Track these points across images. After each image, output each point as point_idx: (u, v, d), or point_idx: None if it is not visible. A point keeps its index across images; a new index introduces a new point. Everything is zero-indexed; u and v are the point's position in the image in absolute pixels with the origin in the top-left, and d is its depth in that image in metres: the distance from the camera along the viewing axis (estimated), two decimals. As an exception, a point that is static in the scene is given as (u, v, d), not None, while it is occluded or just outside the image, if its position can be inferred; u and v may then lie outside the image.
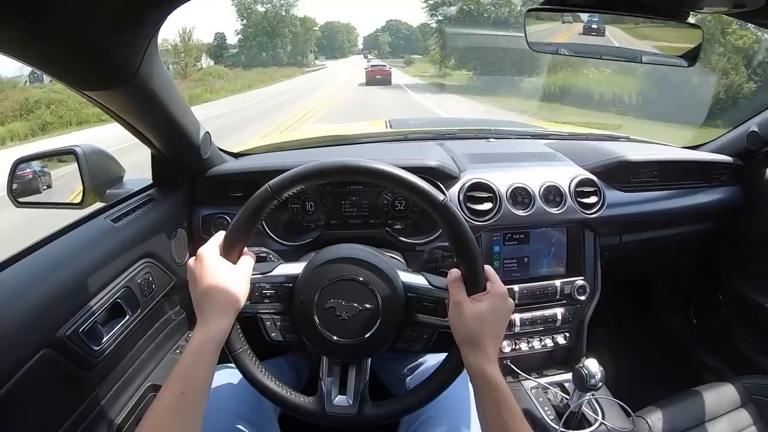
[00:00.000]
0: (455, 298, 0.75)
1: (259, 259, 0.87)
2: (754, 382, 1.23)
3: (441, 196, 0.75)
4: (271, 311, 0.84)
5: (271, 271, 0.83)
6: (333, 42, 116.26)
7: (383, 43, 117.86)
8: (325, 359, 0.84)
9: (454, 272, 0.78)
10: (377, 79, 27.43)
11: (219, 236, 0.80)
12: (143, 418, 0.65)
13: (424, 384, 0.81)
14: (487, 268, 0.78)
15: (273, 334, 0.87)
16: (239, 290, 0.76)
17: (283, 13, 61.14)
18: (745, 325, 1.63)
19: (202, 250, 0.77)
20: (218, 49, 55.59)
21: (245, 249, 0.81)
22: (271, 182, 0.77)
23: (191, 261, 0.77)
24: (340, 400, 0.82)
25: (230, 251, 0.78)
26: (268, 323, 0.87)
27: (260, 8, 59.44)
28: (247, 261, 0.80)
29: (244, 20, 59.79)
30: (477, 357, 0.72)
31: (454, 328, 0.75)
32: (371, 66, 32.81)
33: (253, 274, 0.80)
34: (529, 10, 0.97)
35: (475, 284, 0.76)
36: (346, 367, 0.84)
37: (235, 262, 0.78)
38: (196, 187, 1.27)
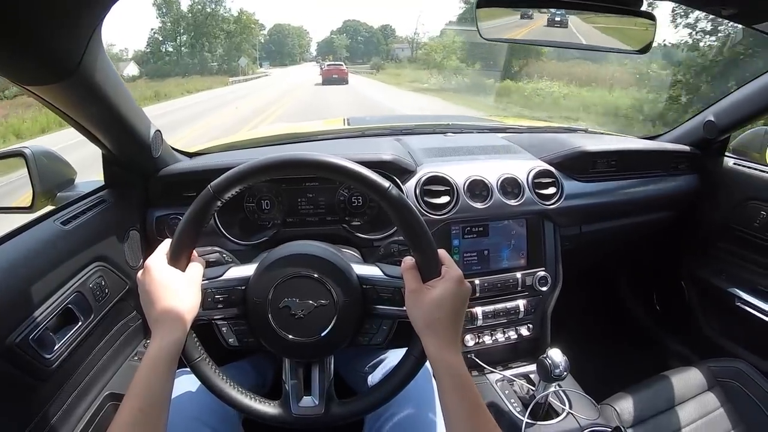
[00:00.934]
0: (410, 286, 0.74)
1: (211, 263, 0.86)
2: (719, 365, 1.25)
3: (386, 183, 0.73)
4: (226, 316, 0.81)
5: (221, 275, 0.81)
6: (282, 47, 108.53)
7: (340, 46, 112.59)
8: (286, 360, 0.82)
9: (408, 260, 0.77)
10: (334, 78, 28.91)
11: (166, 244, 0.78)
12: None
13: (389, 378, 0.80)
14: (442, 252, 0.76)
15: (230, 340, 0.84)
16: (190, 299, 0.75)
17: (212, 6, 52.09)
18: (708, 309, 1.66)
19: (150, 260, 0.75)
20: (151, 56, 50.19)
21: (194, 254, 0.79)
22: (212, 183, 0.75)
23: (139, 274, 0.75)
24: (305, 401, 0.80)
25: (177, 259, 0.76)
26: (224, 329, 0.84)
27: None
28: (196, 267, 0.78)
29: (164, 16, 51.22)
30: (436, 344, 0.71)
31: (412, 317, 0.74)
32: (327, 65, 34.09)
33: (203, 280, 0.78)
34: (478, 4, 0.97)
35: (429, 271, 0.74)
36: (308, 366, 0.82)
37: (184, 270, 0.76)
38: (148, 187, 1.24)
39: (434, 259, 0.75)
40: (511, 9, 1.01)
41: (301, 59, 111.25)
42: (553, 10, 1.00)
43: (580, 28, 1.07)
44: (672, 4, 1.04)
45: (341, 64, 34.83)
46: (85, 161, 1.23)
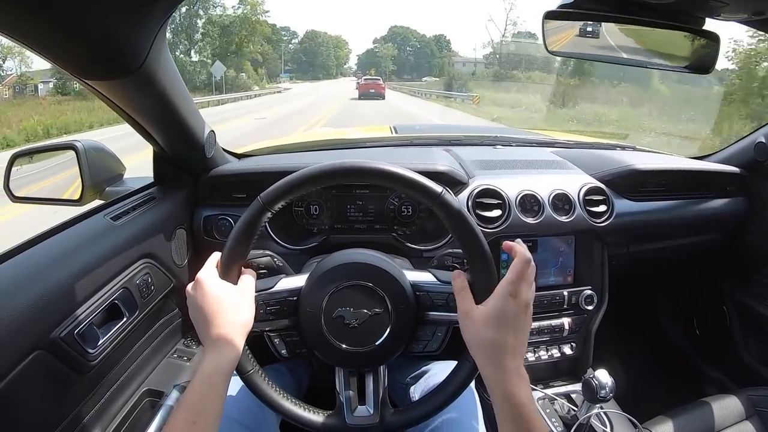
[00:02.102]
0: (462, 309, 0.70)
1: (262, 268, 0.85)
2: (758, 394, 1.22)
3: (439, 188, 0.72)
4: (278, 328, 0.81)
5: (273, 287, 0.80)
6: (315, 57, 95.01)
7: (385, 56, 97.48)
8: (340, 370, 0.81)
9: (458, 281, 0.74)
10: (370, 92, 29.16)
11: (215, 257, 0.78)
12: None
13: (444, 386, 0.79)
14: (516, 249, 0.72)
15: (282, 351, 0.85)
16: (245, 313, 0.74)
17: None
18: (749, 336, 1.61)
19: (201, 274, 0.74)
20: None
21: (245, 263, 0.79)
22: (262, 194, 0.74)
23: (190, 287, 0.75)
24: (360, 411, 0.80)
25: (229, 272, 0.75)
26: (276, 341, 0.84)
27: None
28: (249, 280, 0.77)
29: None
30: (495, 371, 0.65)
31: (466, 340, 0.70)
32: (365, 80, 34.14)
33: (255, 293, 0.78)
34: (546, 14, 0.96)
35: (481, 287, 0.71)
36: (362, 376, 0.82)
37: (235, 282, 0.76)
38: (198, 186, 1.24)
39: (492, 275, 0.72)
40: (575, 24, 1.00)
41: (338, 73, 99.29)
42: (587, 22, 1.00)
43: (632, 43, 1.06)
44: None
45: (378, 79, 34.82)
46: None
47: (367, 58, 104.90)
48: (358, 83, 34.23)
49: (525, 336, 0.69)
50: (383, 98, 28.22)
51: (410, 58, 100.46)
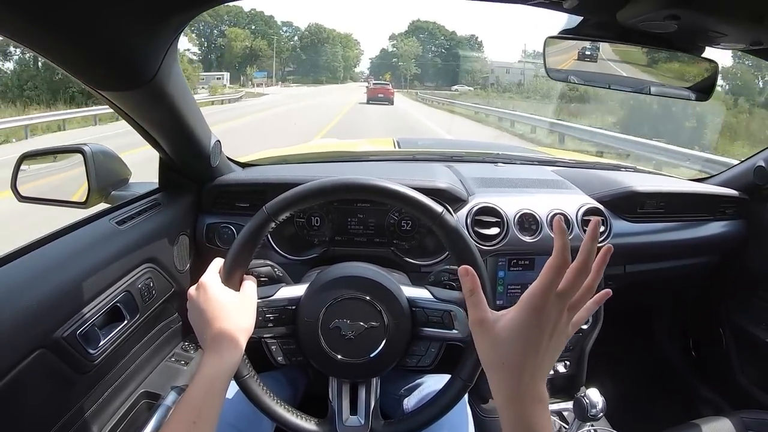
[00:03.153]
0: (474, 316, 0.58)
1: (262, 277, 0.87)
2: (752, 417, 1.21)
3: (439, 208, 0.75)
4: (275, 335, 0.83)
5: (273, 295, 0.82)
6: (318, 55, 77.24)
7: (405, 54, 77.01)
8: (333, 380, 0.83)
9: (465, 274, 0.61)
10: (379, 97, 28.39)
11: (218, 263, 0.79)
12: None
13: (435, 401, 0.80)
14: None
15: (279, 358, 0.86)
16: (247, 319, 0.76)
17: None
18: (745, 359, 1.61)
19: (204, 278, 0.76)
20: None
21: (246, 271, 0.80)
22: (267, 205, 0.76)
23: (192, 290, 0.76)
24: (351, 420, 0.81)
25: (231, 278, 0.77)
26: (273, 347, 0.86)
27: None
28: (250, 287, 0.79)
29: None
30: (507, 399, 0.54)
31: (482, 357, 0.58)
32: (374, 84, 33.33)
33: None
34: (548, 40, 0.98)
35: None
36: (355, 386, 0.83)
37: (237, 289, 0.77)
38: (202, 194, 1.26)
39: (484, 285, 0.69)
40: (576, 45, 1.01)
41: (346, 77, 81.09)
42: (586, 44, 1.01)
43: (630, 69, 1.07)
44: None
45: (388, 84, 33.76)
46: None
47: (381, 60, 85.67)
48: (367, 87, 33.29)
49: (554, 359, 0.57)
50: (392, 103, 28.08)
51: (436, 60, 78.66)
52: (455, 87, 50.33)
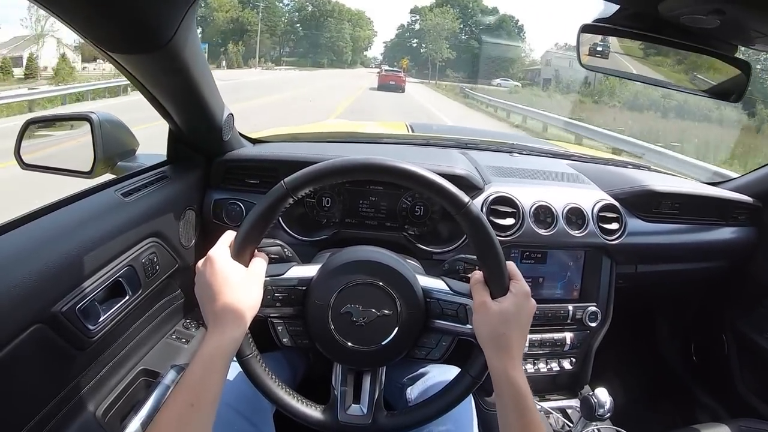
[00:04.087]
0: (478, 300, 0.74)
1: (272, 257, 0.84)
2: (749, 426, 1.21)
3: (466, 198, 0.72)
4: (282, 315, 0.80)
5: (283, 274, 0.79)
6: (318, 32, 61.08)
7: (434, 31, 56.15)
8: (338, 366, 0.81)
9: (477, 274, 0.77)
10: (390, 84, 27.91)
11: (229, 236, 0.76)
12: (147, 429, 0.61)
13: (441, 395, 0.79)
14: (510, 265, 0.76)
15: (284, 340, 0.83)
16: (254, 296, 0.73)
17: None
18: (746, 367, 1.61)
19: (213, 252, 0.73)
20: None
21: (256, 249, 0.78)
22: (287, 179, 0.73)
23: (200, 263, 0.73)
24: (353, 409, 0.79)
25: (242, 253, 0.73)
26: (279, 328, 0.83)
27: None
28: (260, 264, 0.76)
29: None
30: (501, 359, 0.71)
31: (478, 331, 0.74)
32: (386, 71, 32.07)
33: (265, 277, 0.77)
34: (582, 28, 0.95)
35: (498, 287, 0.73)
36: (360, 374, 0.81)
37: (246, 265, 0.74)
38: (211, 169, 1.23)
39: (503, 278, 0.73)
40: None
41: (355, 60, 66.95)
42: (597, 41, 1.00)
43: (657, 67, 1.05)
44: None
45: (400, 71, 32.60)
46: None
47: (399, 40, 69.14)
48: (379, 74, 31.99)
49: (526, 338, 0.76)
50: (403, 91, 27.76)
51: (472, 43, 55.48)
52: (497, 81, 37.89)
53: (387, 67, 36.78)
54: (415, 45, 67.20)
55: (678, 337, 1.90)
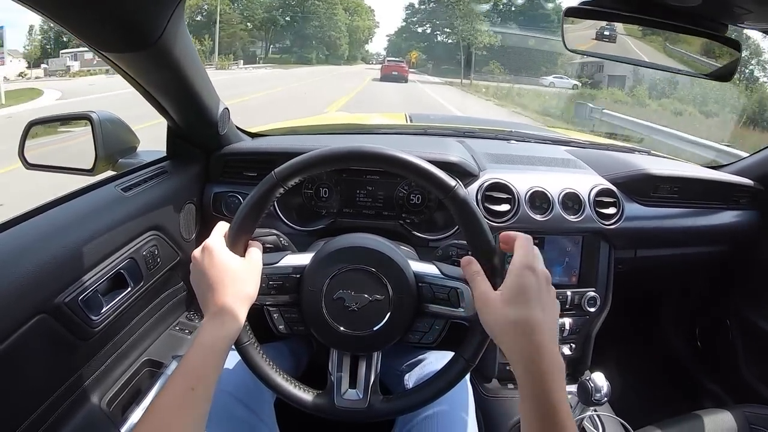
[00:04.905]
0: (479, 289, 0.67)
1: (268, 246, 0.85)
2: (754, 412, 1.20)
3: (452, 182, 0.72)
4: (278, 303, 0.82)
5: (278, 262, 0.81)
6: (304, 21, 48.62)
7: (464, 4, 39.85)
8: (334, 352, 0.82)
9: (468, 260, 0.73)
10: (393, 75, 26.96)
11: (224, 226, 0.78)
12: (145, 412, 0.63)
13: (435, 380, 0.79)
14: (506, 236, 0.71)
15: (280, 327, 0.85)
16: (250, 285, 0.74)
17: None
18: (751, 352, 1.60)
19: (209, 241, 0.75)
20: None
21: (251, 238, 0.79)
22: (276, 170, 0.74)
23: (197, 252, 0.75)
24: (350, 394, 0.80)
25: (237, 243, 0.75)
26: (275, 315, 0.85)
27: None
28: (256, 253, 0.78)
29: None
30: (515, 351, 0.60)
31: (489, 329, 0.66)
32: (388, 61, 30.50)
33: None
34: (568, 10, 0.95)
35: (493, 270, 0.72)
36: (356, 360, 0.82)
37: (242, 254, 0.76)
38: (210, 163, 1.25)
39: (494, 259, 0.72)
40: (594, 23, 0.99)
41: (353, 56, 55.87)
42: (603, 24, 1.00)
43: (649, 49, 1.04)
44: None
45: (402, 61, 31.19)
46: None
47: (409, 29, 55.32)
48: (381, 65, 31.25)
49: (555, 312, 0.64)
50: (405, 81, 27.08)
51: (509, 25, 41.80)
52: (549, 80, 28.02)
53: (389, 58, 35.20)
54: (430, 31, 52.21)
55: (682, 323, 1.89)
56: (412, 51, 50.72)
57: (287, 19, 48.62)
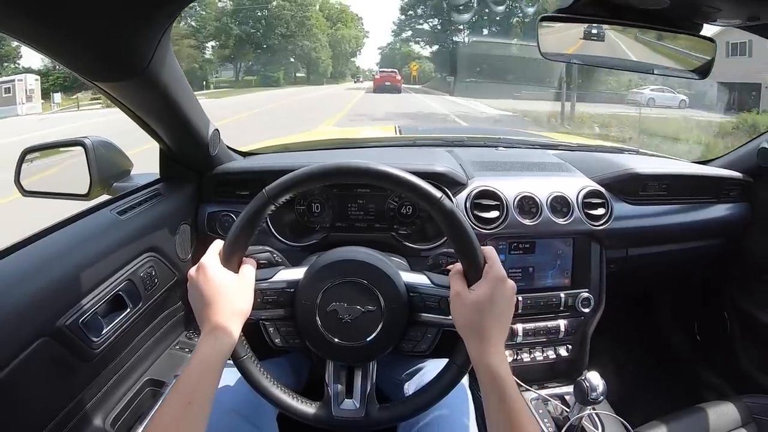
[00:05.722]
0: (454, 290, 0.75)
1: (262, 263, 0.87)
2: (756, 402, 1.21)
3: (438, 193, 0.75)
4: (274, 317, 0.84)
5: (272, 277, 0.83)
6: (268, 30, 37.25)
7: None
8: (330, 363, 0.84)
9: (456, 266, 0.78)
10: (386, 85, 26.64)
11: (219, 245, 0.80)
12: (144, 429, 0.64)
13: (430, 386, 0.81)
14: (487, 249, 0.77)
15: (276, 340, 0.87)
16: (245, 300, 0.76)
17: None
18: (749, 343, 1.61)
19: (204, 260, 0.77)
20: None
21: (245, 255, 0.81)
22: (267, 187, 0.76)
23: (192, 271, 0.77)
24: (347, 404, 0.82)
25: (231, 260, 0.77)
26: (270, 329, 0.87)
27: None
28: (249, 269, 0.80)
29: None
30: (478, 348, 0.71)
31: (455, 321, 0.74)
32: (380, 72, 30.00)
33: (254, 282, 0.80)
34: (542, 18, 0.97)
35: (473, 275, 0.75)
36: (351, 370, 0.84)
37: (236, 271, 0.78)
38: (202, 183, 1.27)
39: (477, 266, 0.75)
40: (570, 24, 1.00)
41: (342, 73, 48.11)
42: (592, 24, 0.99)
43: (631, 48, 1.05)
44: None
45: (395, 71, 29.99)
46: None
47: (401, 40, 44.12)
48: (373, 76, 30.81)
49: (509, 321, 0.75)
50: (399, 92, 26.78)
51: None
52: (647, 95, 16.64)
53: (381, 69, 33.71)
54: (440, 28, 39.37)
55: (680, 318, 1.89)
56: (412, 63, 41.99)
57: (244, 27, 36.87)
